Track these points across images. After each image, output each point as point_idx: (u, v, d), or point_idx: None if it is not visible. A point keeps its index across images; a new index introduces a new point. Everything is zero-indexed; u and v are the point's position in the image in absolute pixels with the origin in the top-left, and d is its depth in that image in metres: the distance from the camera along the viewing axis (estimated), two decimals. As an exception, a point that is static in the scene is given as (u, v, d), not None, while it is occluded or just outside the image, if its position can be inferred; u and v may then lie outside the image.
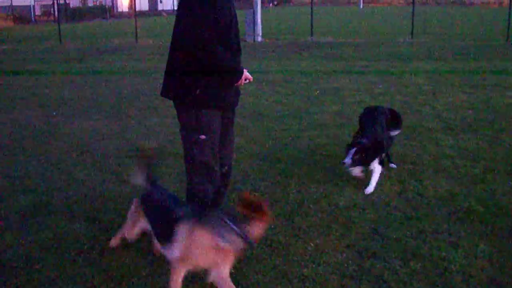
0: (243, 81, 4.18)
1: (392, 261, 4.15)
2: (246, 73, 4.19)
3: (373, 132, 5.84)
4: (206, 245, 3.37)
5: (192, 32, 3.82)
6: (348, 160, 5.58)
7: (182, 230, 3.47)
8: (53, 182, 6.03)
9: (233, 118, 4.43)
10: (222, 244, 3.32)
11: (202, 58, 3.89)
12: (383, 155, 5.94)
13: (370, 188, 5.59)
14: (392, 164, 6.31)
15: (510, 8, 22.95)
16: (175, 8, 79.29)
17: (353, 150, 5.58)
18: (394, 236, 4.56)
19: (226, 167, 4.45)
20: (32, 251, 4.38)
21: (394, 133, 6.28)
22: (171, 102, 4.24)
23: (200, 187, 4.20)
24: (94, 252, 4.35)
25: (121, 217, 4.99)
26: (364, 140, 5.69)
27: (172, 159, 6.65)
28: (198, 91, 3.99)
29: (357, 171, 5.79)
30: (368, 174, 5.76)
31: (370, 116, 6.15)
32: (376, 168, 5.72)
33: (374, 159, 5.69)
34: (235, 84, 4.16)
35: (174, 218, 3.59)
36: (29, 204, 5.38)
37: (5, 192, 5.73)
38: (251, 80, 4.28)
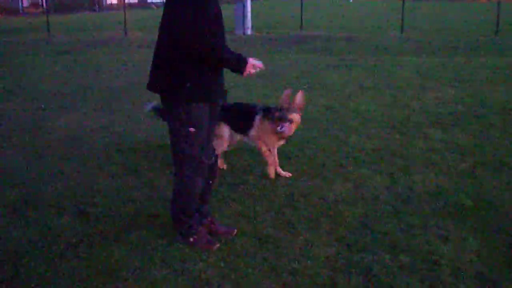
0: (252, 70, 4.15)
1: (382, 254, 4.16)
2: (255, 61, 4.16)
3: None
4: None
5: (195, 28, 3.80)
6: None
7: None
8: (41, 175, 5.99)
9: (218, 110, 4.41)
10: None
11: (206, 53, 3.88)
12: None
13: None
14: None
15: (499, 3, 23.03)
16: (164, 1, 78.91)
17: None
18: (384, 230, 4.57)
19: (212, 159, 4.44)
20: (20, 245, 4.35)
21: None
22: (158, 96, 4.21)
23: (190, 180, 4.19)
24: (82, 245, 4.33)
25: (110, 210, 4.98)
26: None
27: (161, 152, 6.63)
28: (188, 85, 3.96)
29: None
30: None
31: None
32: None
33: None
34: (243, 75, 4.14)
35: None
36: (16, 197, 5.34)
37: (-8, 186, 5.69)
38: (262, 67, 4.25)
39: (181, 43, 3.89)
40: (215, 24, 3.95)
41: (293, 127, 5.61)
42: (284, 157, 6.44)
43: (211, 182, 4.51)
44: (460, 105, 9.19)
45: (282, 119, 5.49)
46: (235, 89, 10.00)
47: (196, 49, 3.86)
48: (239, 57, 4.08)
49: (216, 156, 4.54)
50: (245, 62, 4.10)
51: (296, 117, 5.53)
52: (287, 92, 5.54)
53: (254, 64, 4.16)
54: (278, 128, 5.52)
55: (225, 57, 4.00)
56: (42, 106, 9.61)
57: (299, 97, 5.50)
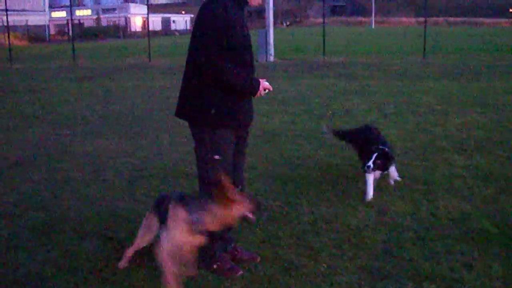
0: (263, 91, 4.16)
1: (405, 282, 4.12)
2: (265, 83, 4.17)
3: (386, 142, 6.32)
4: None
5: (201, 49, 3.88)
6: (370, 164, 5.86)
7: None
8: (65, 200, 6.06)
9: (246, 137, 4.43)
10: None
11: (211, 75, 3.92)
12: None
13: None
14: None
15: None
16: (188, 28, 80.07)
17: (374, 155, 5.89)
18: (407, 257, 4.53)
19: (239, 187, 4.44)
20: (44, 269, 4.39)
21: None
22: (184, 121, 4.26)
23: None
24: (106, 270, 4.35)
25: (133, 235, 5.00)
26: (383, 147, 6.06)
27: (184, 179, 6.67)
28: (213, 111, 4.00)
29: (376, 175, 6.06)
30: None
31: (371, 132, 6.70)
32: (394, 172, 6.33)
33: (392, 165, 6.12)
34: (255, 96, 4.15)
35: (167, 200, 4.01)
36: (41, 221, 5.40)
37: (17, 210, 5.76)
38: (271, 89, 4.25)
39: (192, 64, 3.99)
40: (236, 48, 3.99)
41: None
42: (307, 183, 6.44)
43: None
44: (483, 130, 9.13)
45: None
46: (257, 115, 10.06)
47: (205, 71, 3.92)
48: (251, 80, 4.09)
49: (244, 185, 4.53)
50: (258, 84, 4.11)
51: None
52: None
53: (264, 85, 4.17)
54: None
55: (232, 82, 3.99)
56: (68, 131, 9.75)
57: None
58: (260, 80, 4.16)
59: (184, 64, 4.17)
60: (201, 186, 4.25)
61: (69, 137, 9.36)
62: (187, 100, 4.14)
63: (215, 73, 3.91)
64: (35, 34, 53.09)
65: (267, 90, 4.21)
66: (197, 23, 4.00)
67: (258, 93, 4.13)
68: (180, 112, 4.21)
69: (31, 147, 8.63)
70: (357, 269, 4.33)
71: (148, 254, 4.60)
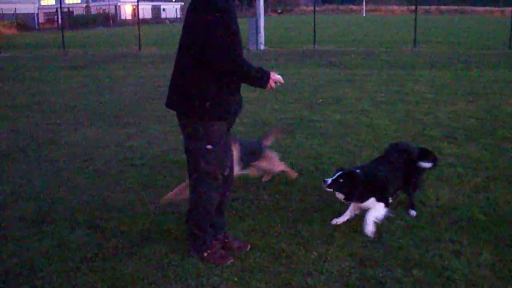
0: (273, 84, 4.05)
1: (395, 269, 4.15)
2: (276, 76, 4.08)
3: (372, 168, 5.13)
4: None
5: (219, 45, 3.77)
6: (328, 180, 4.88)
7: None
8: (55, 190, 6.05)
9: (232, 124, 4.41)
10: None
11: (232, 70, 3.85)
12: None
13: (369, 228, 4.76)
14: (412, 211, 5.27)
15: (512, 17, 22.98)
16: (178, 16, 79.62)
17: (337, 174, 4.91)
18: (397, 245, 4.56)
19: (227, 170, 4.43)
20: (35, 259, 4.39)
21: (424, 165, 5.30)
22: (173, 111, 4.24)
23: (206, 195, 4.19)
24: (97, 259, 4.36)
25: (124, 224, 5.01)
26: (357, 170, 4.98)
27: (175, 167, 6.67)
28: (208, 104, 3.97)
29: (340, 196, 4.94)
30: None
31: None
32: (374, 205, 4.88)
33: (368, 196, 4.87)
34: (267, 88, 4.07)
35: None
36: (31, 211, 5.39)
37: (8, 200, 5.75)
38: (282, 82, 4.15)
39: (204, 61, 3.84)
40: (235, 40, 3.97)
41: None
42: (297, 171, 6.45)
43: (228, 193, 4.52)
44: (473, 119, 9.17)
45: None
46: (248, 104, 10.04)
47: (218, 66, 3.83)
48: (261, 71, 4.01)
49: (232, 167, 4.54)
50: (267, 76, 4.03)
51: None
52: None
53: (275, 78, 4.09)
54: None
55: (249, 73, 3.93)
56: (58, 121, 9.71)
57: None
58: (271, 72, 4.07)
59: (176, 53, 4.13)
60: (192, 176, 4.23)
61: (59, 126, 9.31)
62: (180, 92, 4.06)
63: (233, 68, 3.84)
64: (24, 22, 52.69)
65: (278, 83, 4.12)
66: (200, 14, 3.84)
67: (269, 86, 4.05)
68: (173, 104, 4.14)
69: (21, 137, 8.58)
70: (348, 257, 4.36)
71: (138, 244, 4.62)
